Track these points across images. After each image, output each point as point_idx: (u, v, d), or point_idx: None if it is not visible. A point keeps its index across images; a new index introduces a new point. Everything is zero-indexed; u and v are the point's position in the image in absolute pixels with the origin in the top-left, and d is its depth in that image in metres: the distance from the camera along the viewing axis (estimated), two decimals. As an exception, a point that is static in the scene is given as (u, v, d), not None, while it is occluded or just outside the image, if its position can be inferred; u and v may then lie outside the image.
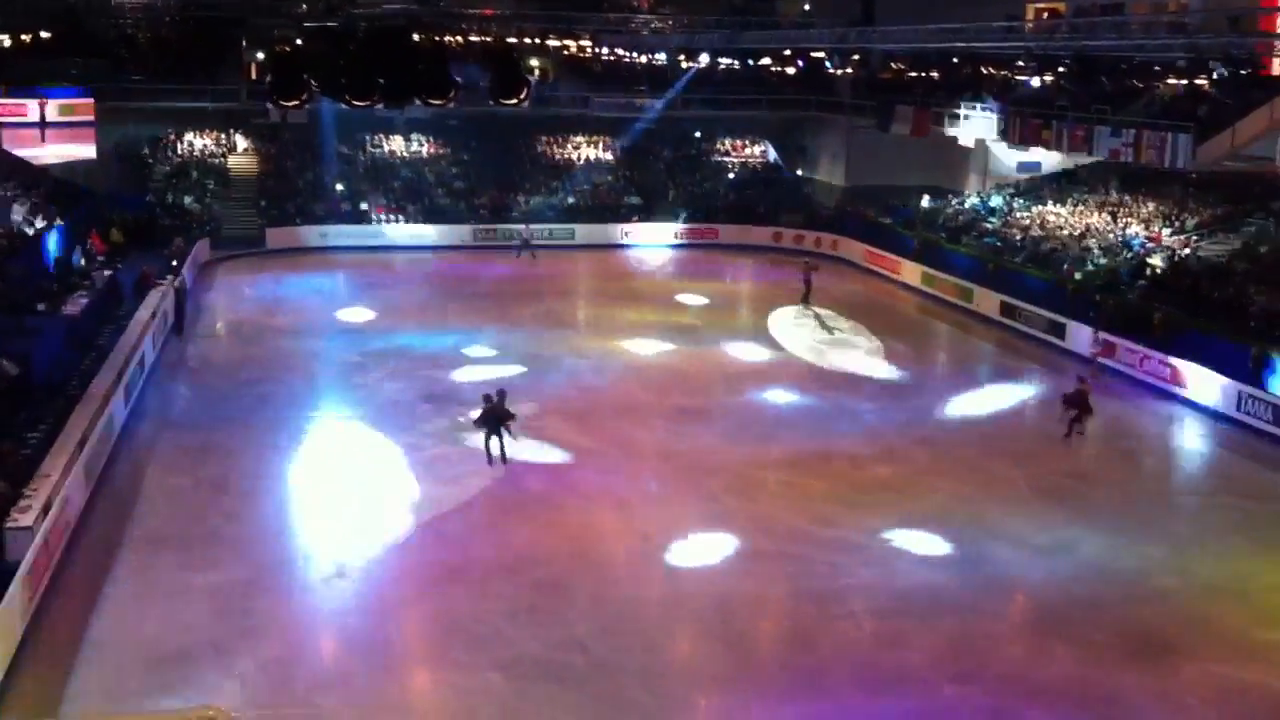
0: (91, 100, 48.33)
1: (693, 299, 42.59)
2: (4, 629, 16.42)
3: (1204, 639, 18.63)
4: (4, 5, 49.47)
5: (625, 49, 62.62)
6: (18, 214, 36.60)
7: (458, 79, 23.40)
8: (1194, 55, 37.63)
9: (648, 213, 54.90)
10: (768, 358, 34.58)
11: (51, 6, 52.08)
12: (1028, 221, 44.78)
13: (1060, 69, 48.05)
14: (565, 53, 65.21)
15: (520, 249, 49.09)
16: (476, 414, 24.88)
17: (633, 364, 33.14)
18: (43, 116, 46.32)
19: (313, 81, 23.06)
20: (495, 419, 24.48)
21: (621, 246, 52.79)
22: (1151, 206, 42.12)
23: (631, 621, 18.69)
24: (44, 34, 50.06)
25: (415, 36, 23.57)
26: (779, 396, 30.64)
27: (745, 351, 35.01)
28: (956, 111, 48.12)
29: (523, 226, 50.62)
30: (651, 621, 18.84)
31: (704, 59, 58.26)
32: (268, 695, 16.28)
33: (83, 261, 36.79)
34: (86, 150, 48.65)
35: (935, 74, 57.70)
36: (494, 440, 24.58)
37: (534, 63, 62.97)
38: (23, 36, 48.75)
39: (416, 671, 17.40)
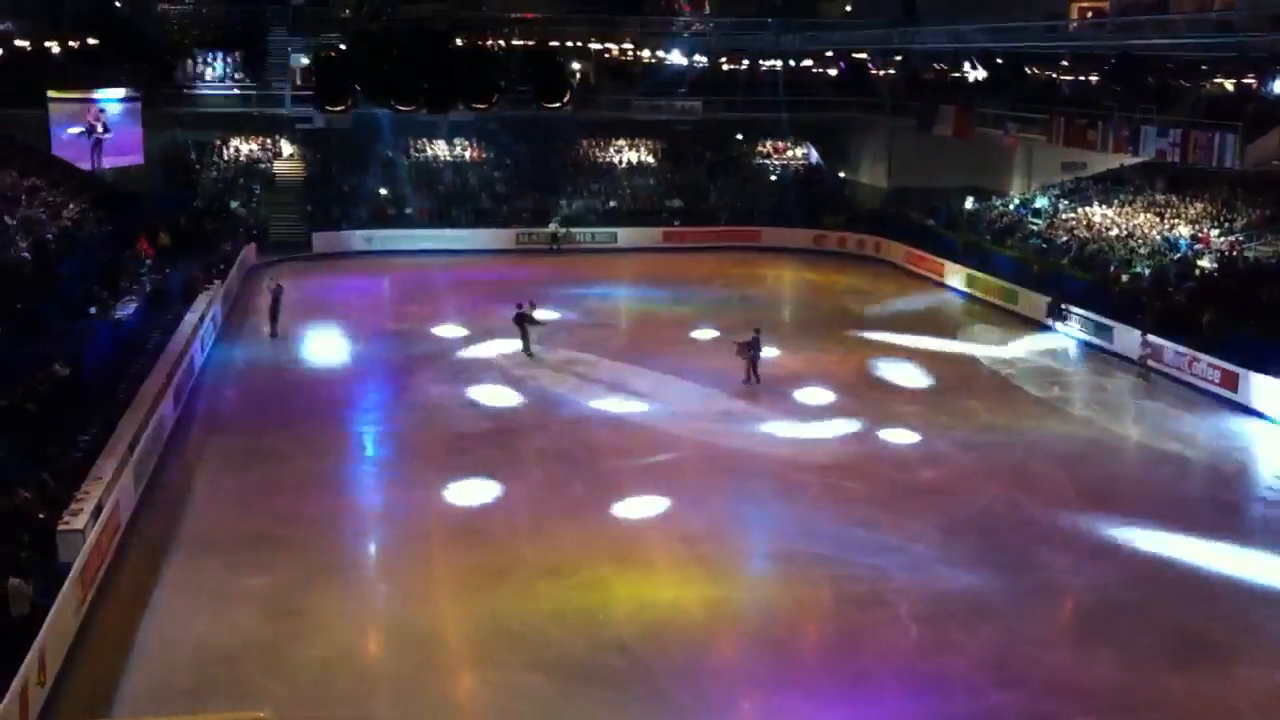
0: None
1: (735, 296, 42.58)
2: (57, 629, 16.67)
3: (1254, 643, 18.46)
4: (52, 12, 50.09)
5: (667, 51, 62.55)
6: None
7: (500, 83, 23.52)
8: (1241, 54, 37.21)
9: (689, 215, 54.95)
10: (810, 363, 34.44)
11: (99, 13, 52.63)
12: (1073, 223, 44.46)
13: (1105, 68, 47.65)
14: (607, 55, 65.27)
15: (553, 244, 51.19)
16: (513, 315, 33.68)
17: (674, 367, 33.09)
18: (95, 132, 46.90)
19: (358, 86, 23.26)
20: (524, 320, 33.77)
21: (664, 250, 52.80)
22: (1199, 207, 41.69)
23: (673, 623, 18.74)
24: (91, 40, 50.64)
25: (458, 41, 23.69)
26: (821, 399, 30.55)
27: (787, 356, 34.89)
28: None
29: (554, 224, 51.92)
30: (693, 623, 18.86)
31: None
32: (315, 696, 16.44)
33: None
34: (135, 155, 49.22)
35: (978, 74, 57.31)
36: (525, 339, 33.70)
37: (575, 66, 63.10)
38: (71, 43, 49.37)
39: (461, 672, 17.50)
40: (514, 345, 34.30)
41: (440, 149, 57.25)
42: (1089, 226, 43.39)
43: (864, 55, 59.46)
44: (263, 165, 54.71)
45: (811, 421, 28.78)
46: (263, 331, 36.24)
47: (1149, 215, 42.57)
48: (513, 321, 34.18)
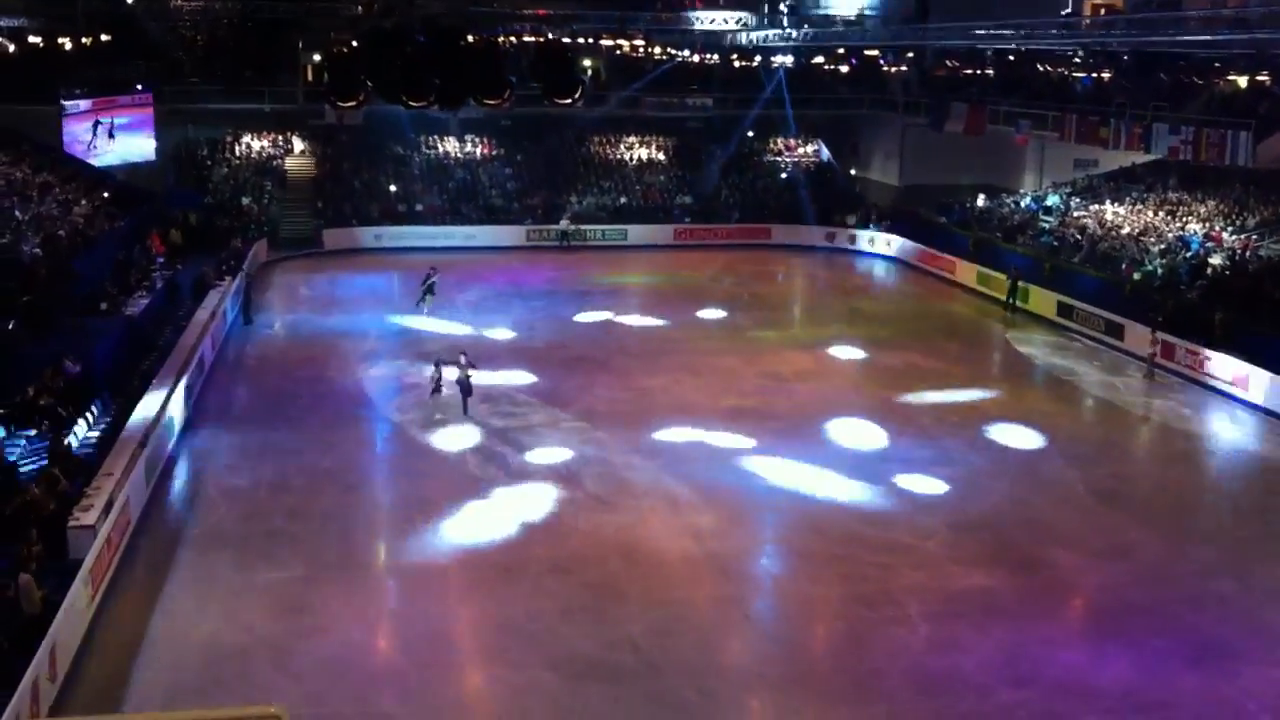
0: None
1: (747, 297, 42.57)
2: (68, 625, 16.71)
3: (1264, 644, 18.37)
4: (64, 10, 50.19)
5: (677, 48, 62.41)
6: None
7: (512, 79, 23.49)
8: (1255, 51, 37.05)
9: (699, 213, 54.90)
10: (820, 361, 34.41)
11: (111, 11, 52.71)
12: (1085, 221, 44.32)
13: (1119, 65, 47.47)
14: (618, 52, 65.09)
15: (562, 241, 51.81)
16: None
17: (686, 366, 33.09)
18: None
19: (369, 83, 23.24)
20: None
21: (674, 247, 52.73)
22: (1211, 205, 41.55)
23: (683, 621, 18.71)
24: (104, 37, 50.70)
25: (470, 37, 23.65)
26: (832, 398, 30.51)
27: (798, 354, 34.87)
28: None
29: (565, 221, 52.35)
30: (703, 621, 18.85)
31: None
32: (324, 693, 16.45)
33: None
34: (147, 152, 49.35)
35: (990, 71, 57.18)
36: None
37: (586, 63, 62.99)
38: (83, 40, 49.42)
39: (471, 670, 17.51)
40: (521, 341, 34.42)
41: (451, 145, 57.27)
42: (1101, 224, 43.27)
43: (876, 52, 59.28)
44: (274, 162, 54.78)
45: (820, 419, 28.74)
46: (252, 321, 37.73)
47: (1161, 213, 42.44)
48: (421, 283, 38.37)
